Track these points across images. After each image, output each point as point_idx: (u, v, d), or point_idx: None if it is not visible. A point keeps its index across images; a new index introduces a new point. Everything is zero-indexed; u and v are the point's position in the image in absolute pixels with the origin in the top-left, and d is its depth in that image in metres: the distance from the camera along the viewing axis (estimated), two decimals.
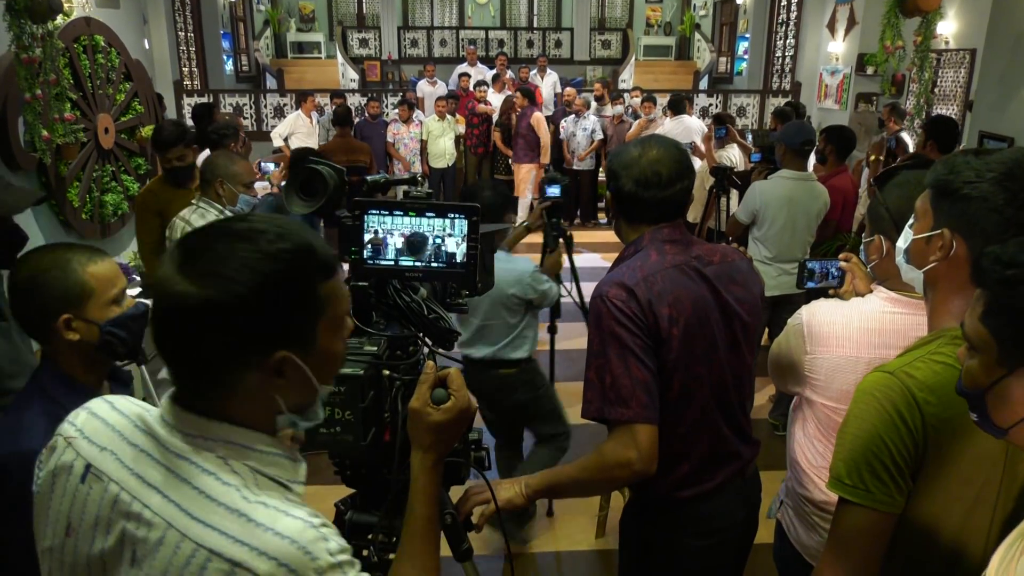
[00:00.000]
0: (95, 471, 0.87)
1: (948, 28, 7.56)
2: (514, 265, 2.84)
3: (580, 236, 8.39)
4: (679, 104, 7.66)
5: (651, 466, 1.44)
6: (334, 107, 7.99)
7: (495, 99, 8.92)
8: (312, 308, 0.86)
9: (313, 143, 8.01)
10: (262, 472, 0.86)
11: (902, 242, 1.32)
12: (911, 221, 1.31)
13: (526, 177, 8.13)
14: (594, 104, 8.96)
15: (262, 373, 0.84)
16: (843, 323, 1.52)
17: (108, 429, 0.90)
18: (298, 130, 7.94)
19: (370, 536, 1.36)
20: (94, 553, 0.86)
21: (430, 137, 8.25)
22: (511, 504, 1.48)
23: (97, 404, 0.94)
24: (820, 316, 1.56)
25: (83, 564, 0.88)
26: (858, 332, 1.49)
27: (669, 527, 1.63)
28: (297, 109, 8.35)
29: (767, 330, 3.88)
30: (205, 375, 0.84)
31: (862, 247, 1.60)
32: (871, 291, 1.56)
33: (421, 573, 1.04)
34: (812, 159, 4.26)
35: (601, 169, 8.62)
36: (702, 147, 5.84)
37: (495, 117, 8.58)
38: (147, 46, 9.25)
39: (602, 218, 9.05)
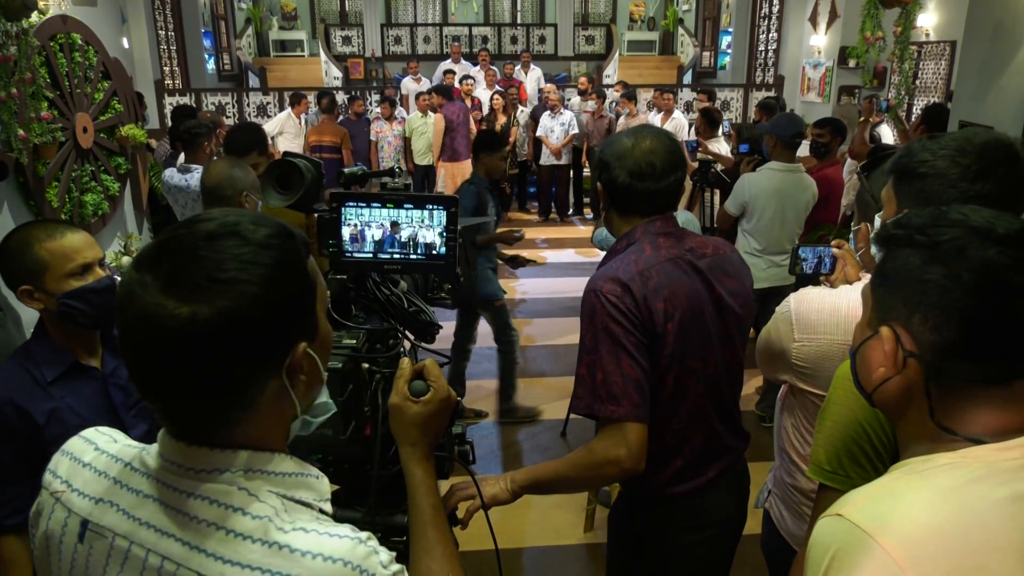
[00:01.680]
0: (94, 527, 0.78)
1: (929, 20, 7.61)
2: None
3: (558, 232, 8.45)
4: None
5: (640, 464, 1.43)
6: (321, 104, 7.98)
7: (483, 95, 8.91)
8: (309, 289, 0.79)
9: (298, 145, 7.97)
10: (290, 497, 0.78)
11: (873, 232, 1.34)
12: (881, 210, 1.32)
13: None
14: (577, 99, 8.97)
15: (280, 378, 0.76)
16: (831, 310, 1.52)
17: (99, 477, 0.80)
18: (287, 130, 7.91)
19: None
20: None
21: (413, 134, 8.21)
22: (496, 500, 1.46)
23: (78, 447, 0.84)
24: (807, 303, 1.56)
25: None
26: (845, 319, 1.49)
27: (661, 522, 1.62)
28: (285, 108, 8.33)
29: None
30: (221, 401, 0.74)
31: (851, 235, 1.61)
32: (860, 279, 1.56)
33: (443, 562, 0.98)
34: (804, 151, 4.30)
35: (584, 166, 8.61)
36: (710, 146, 5.84)
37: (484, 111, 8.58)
38: (126, 45, 9.15)
39: (588, 213, 9.05)
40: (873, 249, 1.34)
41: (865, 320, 0.92)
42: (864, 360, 0.90)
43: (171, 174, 3.96)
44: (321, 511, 0.81)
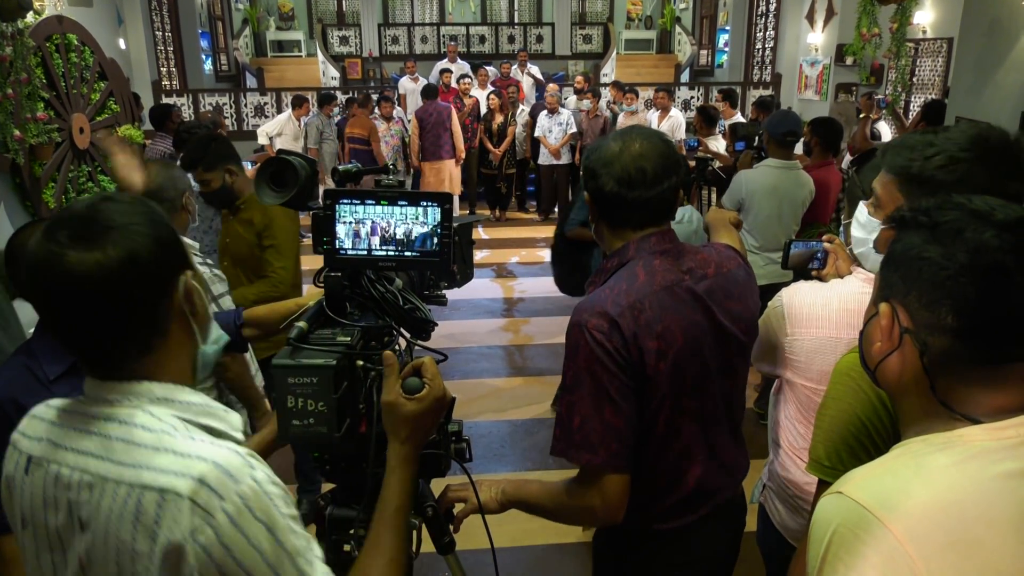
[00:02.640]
0: (35, 460, 0.93)
1: (926, 18, 7.62)
2: None
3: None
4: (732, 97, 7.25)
5: (616, 516, 1.34)
6: (352, 95, 8.09)
7: (479, 94, 8.90)
8: (176, 234, 0.96)
9: (298, 146, 7.97)
10: (194, 422, 0.91)
11: (862, 233, 1.33)
12: (866, 210, 1.31)
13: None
14: (573, 97, 8.95)
15: (179, 302, 0.93)
16: (823, 304, 1.52)
17: (42, 422, 0.96)
18: (286, 132, 7.90)
19: (352, 531, 1.35)
20: (51, 533, 0.91)
21: (413, 133, 8.20)
22: (485, 508, 1.43)
23: (38, 407, 1.00)
24: (800, 297, 1.55)
25: (45, 548, 0.93)
26: (837, 313, 1.49)
27: (645, 559, 1.49)
28: (287, 110, 8.31)
29: None
30: (137, 329, 0.90)
31: (841, 230, 1.61)
32: (852, 272, 1.56)
33: (386, 565, 1.01)
34: (799, 149, 4.27)
35: (577, 163, 8.59)
36: (708, 144, 5.83)
37: (482, 111, 8.56)
38: (123, 46, 9.14)
39: None
40: (856, 243, 1.33)
41: (872, 299, 0.94)
42: (867, 337, 0.92)
43: None
44: (235, 440, 0.93)
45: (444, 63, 10.62)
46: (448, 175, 8.07)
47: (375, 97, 8.69)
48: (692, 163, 4.76)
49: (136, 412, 0.89)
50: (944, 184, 1.14)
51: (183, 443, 0.87)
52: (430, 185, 7.89)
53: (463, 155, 8.21)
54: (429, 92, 8.16)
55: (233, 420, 0.95)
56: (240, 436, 0.94)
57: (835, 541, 0.78)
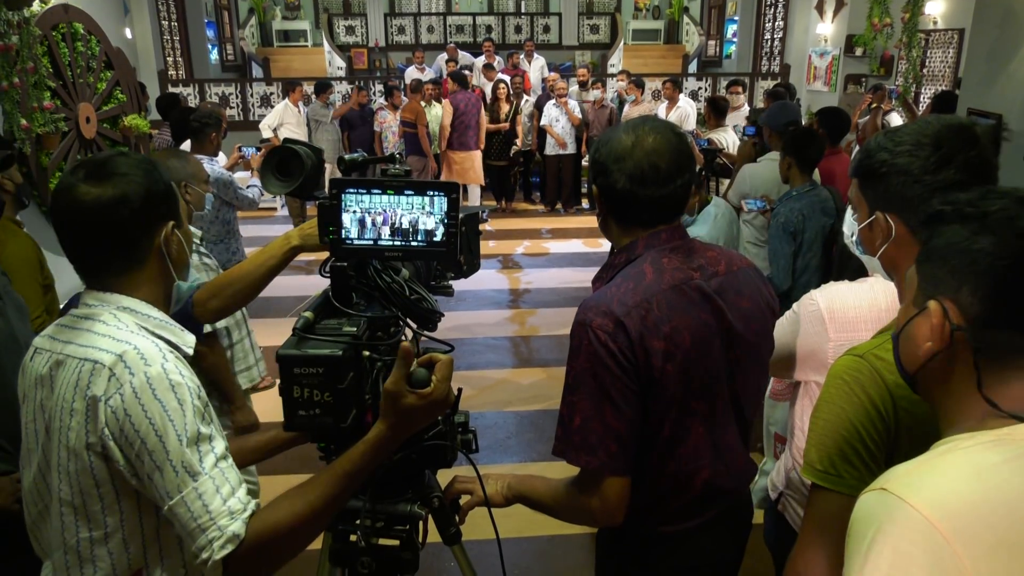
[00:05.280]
0: (37, 348, 1.20)
1: (936, 8, 7.54)
2: None
3: (563, 222, 8.43)
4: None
5: (616, 518, 1.32)
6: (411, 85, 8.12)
7: (486, 85, 8.87)
8: (172, 192, 1.24)
9: (302, 133, 7.93)
10: (152, 331, 1.16)
11: (851, 235, 1.33)
12: (854, 212, 1.30)
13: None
14: (576, 88, 8.90)
15: (159, 243, 1.19)
16: (868, 305, 1.48)
17: (54, 325, 1.21)
18: (287, 120, 7.85)
19: (357, 521, 1.35)
20: (36, 405, 1.17)
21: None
22: (491, 502, 1.43)
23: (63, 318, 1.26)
24: (841, 300, 1.51)
25: (31, 418, 1.18)
26: (887, 312, 1.44)
27: (649, 562, 1.46)
28: (284, 99, 8.25)
29: None
30: (112, 255, 1.17)
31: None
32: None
33: (304, 506, 1.06)
34: None
35: (583, 154, 8.54)
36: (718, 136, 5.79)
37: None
38: (129, 35, 9.13)
39: (585, 203, 9.01)
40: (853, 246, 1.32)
41: (910, 300, 0.92)
42: (909, 338, 0.89)
43: None
44: (184, 354, 1.19)
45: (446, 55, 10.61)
46: (472, 165, 8.03)
47: (348, 89, 8.64)
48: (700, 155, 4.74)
49: (103, 313, 1.15)
50: (885, 177, 1.17)
51: (123, 332, 1.12)
52: (456, 174, 7.88)
53: (483, 146, 8.17)
54: (460, 80, 8.07)
55: (188, 338, 1.22)
56: (189, 351, 1.20)
57: (879, 539, 0.76)
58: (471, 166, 7.99)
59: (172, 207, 1.22)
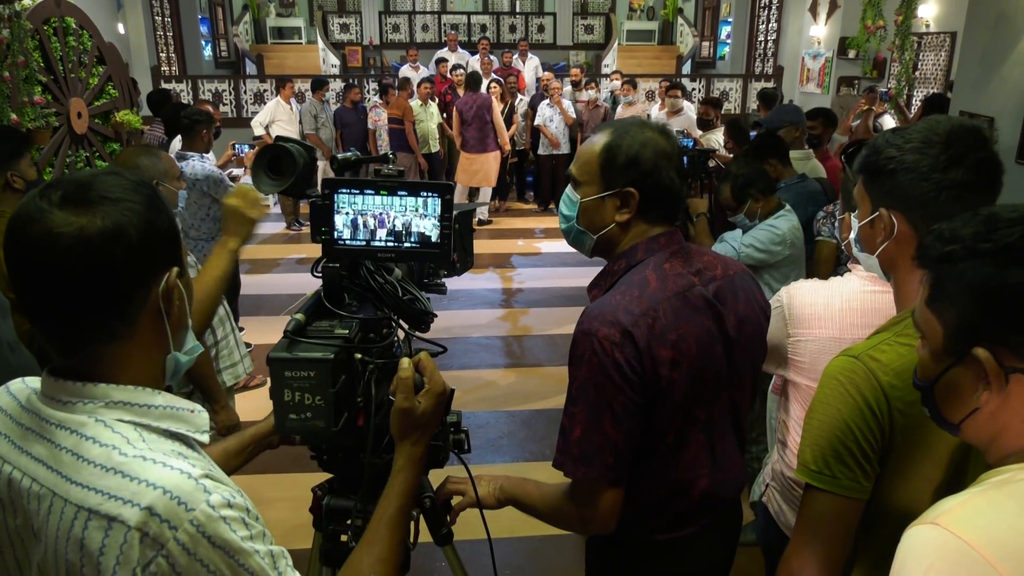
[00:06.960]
0: None
1: (929, 12, 7.58)
2: None
3: (556, 222, 8.40)
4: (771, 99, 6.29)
5: (608, 527, 1.32)
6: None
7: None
8: (175, 227, 0.90)
9: (294, 130, 7.89)
10: (151, 427, 0.85)
11: (852, 232, 1.33)
12: (844, 210, 1.31)
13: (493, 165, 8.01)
14: (569, 88, 8.89)
15: (157, 299, 0.86)
16: (824, 304, 1.50)
17: (3, 415, 0.91)
18: (278, 117, 7.81)
19: (348, 521, 1.34)
20: (12, 532, 0.88)
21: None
22: (483, 503, 1.43)
23: (14, 384, 0.95)
24: (800, 297, 1.54)
25: (7, 545, 0.89)
26: (839, 312, 1.48)
27: (641, 569, 1.46)
28: (276, 96, 8.21)
29: None
30: (95, 313, 0.82)
31: (836, 224, 1.59)
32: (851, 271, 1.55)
33: (376, 562, 1.02)
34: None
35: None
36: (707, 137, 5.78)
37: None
38: (122, 31, 9.08)
39: None
40: (855, 251, 1.31)
41: (931, 350, 0.89)
42: (952, 391, 0.86)
43: None
44: (198, 443, 0.89)
45: (444, 52, 10.57)
46: (482, 167, 7.91)
47: (341, 87, 8.61)
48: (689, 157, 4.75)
49: (88, 421, 0.83)
50: (892, 174, 1.16)
51: (134, 464, 0.80)
52: (461, 179, 7.83)
53: (508, 147, 8.04)
54: (472, 82, 7.93)
55: (199, 421, 0.89)
56: (204, 439, 0.89)
57: None
58: (480, 168, 7.92)
59: (176, 248, 0.89)
